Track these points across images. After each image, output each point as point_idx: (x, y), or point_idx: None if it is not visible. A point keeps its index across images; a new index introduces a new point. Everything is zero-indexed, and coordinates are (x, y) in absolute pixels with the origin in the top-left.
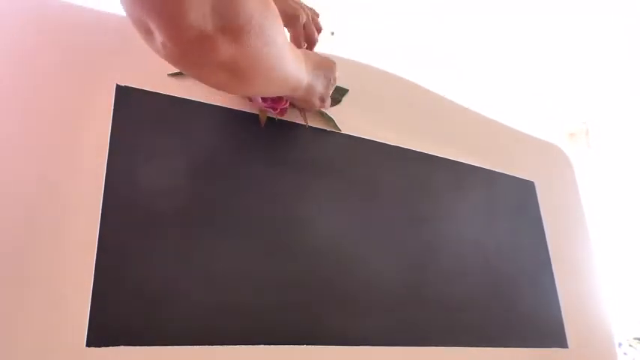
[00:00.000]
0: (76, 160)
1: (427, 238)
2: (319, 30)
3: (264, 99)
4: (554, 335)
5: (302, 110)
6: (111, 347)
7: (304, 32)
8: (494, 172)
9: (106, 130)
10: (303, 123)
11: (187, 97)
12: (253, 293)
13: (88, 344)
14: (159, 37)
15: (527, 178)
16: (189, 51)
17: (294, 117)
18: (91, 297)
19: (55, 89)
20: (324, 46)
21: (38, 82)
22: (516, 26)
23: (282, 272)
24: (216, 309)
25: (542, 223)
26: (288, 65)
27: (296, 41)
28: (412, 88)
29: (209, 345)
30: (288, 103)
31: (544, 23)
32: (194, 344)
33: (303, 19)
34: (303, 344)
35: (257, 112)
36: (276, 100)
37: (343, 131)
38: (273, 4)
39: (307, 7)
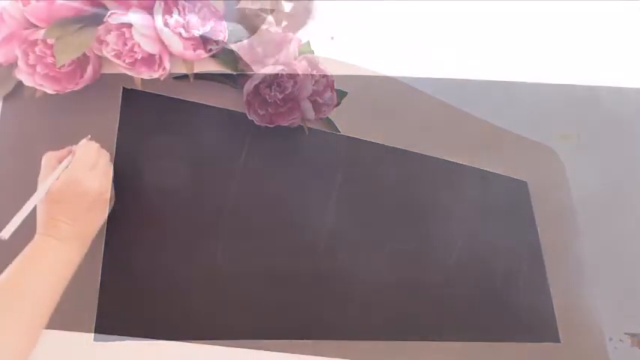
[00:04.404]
0: None
1: (423, 236)
2: None
3: (263, 116)
4: (546, 330)
5: (303, 119)
6: (117, 341)
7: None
8: (489, 172)
9: (113, 130)
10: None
11: (190, 100)
12: (254, 290)
13: (96, 339)
14: None
15: (521, 178)
16: None
17: None
18: (98, 293)
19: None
20: (323, 49)
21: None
22: (510, 29)
23: (282, 270)
24: (218, 305)
25: (534, 222)
26: None
27: None
28: (408, 91)
29: (212, 340)
30: (289, 121)
31: (537, 26)
32: (197, 339)
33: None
34: (303, 339)
35: None
36: (278, 116)
37: (342, 132)
38: None
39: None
